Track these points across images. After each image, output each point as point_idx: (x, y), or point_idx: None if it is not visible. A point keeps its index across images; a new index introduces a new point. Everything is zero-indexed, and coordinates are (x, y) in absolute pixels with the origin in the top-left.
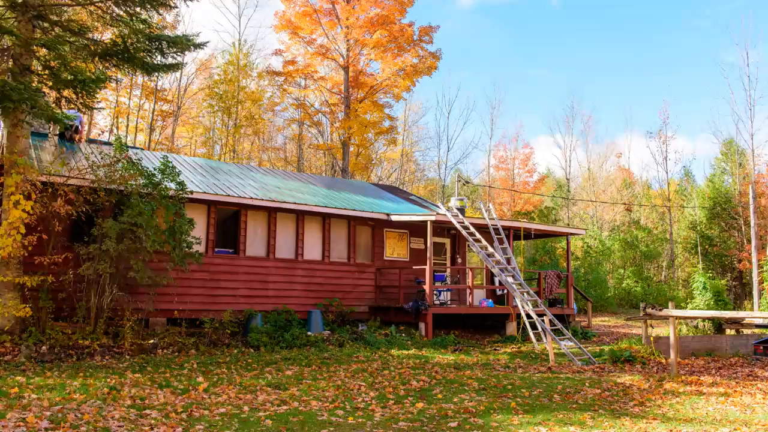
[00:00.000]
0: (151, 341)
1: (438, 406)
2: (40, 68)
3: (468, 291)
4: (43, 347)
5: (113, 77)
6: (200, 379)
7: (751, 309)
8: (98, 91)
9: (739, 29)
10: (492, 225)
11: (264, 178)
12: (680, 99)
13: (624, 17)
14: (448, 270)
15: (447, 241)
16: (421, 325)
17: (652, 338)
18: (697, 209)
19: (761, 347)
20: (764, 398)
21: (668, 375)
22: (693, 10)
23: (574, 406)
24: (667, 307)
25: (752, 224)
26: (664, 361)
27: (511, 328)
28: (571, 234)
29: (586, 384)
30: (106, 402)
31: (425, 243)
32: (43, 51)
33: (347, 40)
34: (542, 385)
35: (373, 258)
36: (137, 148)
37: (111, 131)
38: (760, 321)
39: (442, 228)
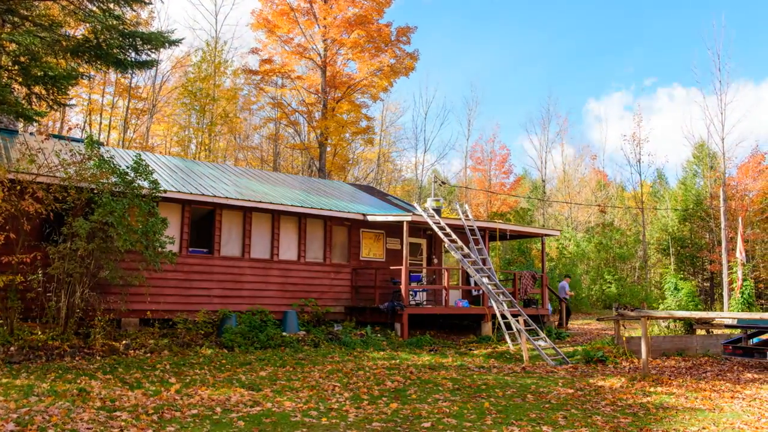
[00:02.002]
0: (123, 342)
1: (412, 407)
2: (9, 64)
3: (444, 291)
4: (12, 348)
5: (85, 74)
6: (172, 380)
7: (722, 309)
8: (70, 87)
9: (711, 34)
10: (468, 226)
11: (239, 177)
12: (654, 102)
13: (601, 19)
14: (424, 270)
15: (423, 242)
16: (397, 326)
17: (624, 338)
18: (670, 211)
19: (730, 347)
20: (732, 397)
21: (640, 375)
22: (667, 13)
23: (546, 405)
24: (640, 308)
25: (723, 226)
26: (636, 361)
27: (487, 328)
28: (546, 235)
29: (559, 384)
30: (75, 404)
31: (401, 243)
32: (13, 46)
33: (324, 40)
34: (516, 385)
35: (349, 258)
36: (110, 147)
37: (83, 129)
38: (729, 321)
39: (419, 228)
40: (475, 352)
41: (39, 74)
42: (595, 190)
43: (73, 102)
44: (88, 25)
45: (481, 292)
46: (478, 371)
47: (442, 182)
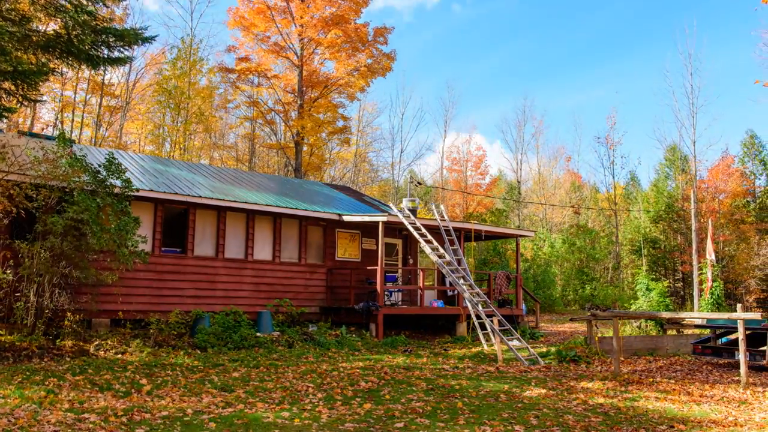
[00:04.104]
0: (94, 343)
1: (385, 407)
2: None
3: (419, 292)
4: None
5: (57, 70)
6: (143, 381)
7: (692, 310)
8: (40, 83)
9: (683, 38)
10: (443, 226)
11: (214, 176)
12: (628, 105)
13: (575, 23)
14: (400, 271)
15: (399, 242)
16: (372, 326)
17: (596, 338)
18: (642, 213)
19: (700, 347)
20: (701, 396)
21: (611, 374)
22: (640, 17)
23: (519, 405)
24: (612, 308)
25: (693, 228)
26: (608, 360)
27: (462, 328)
28: (521, 236)
29: (532, 383)
30: (42, 406)
31: (377, 244)
32: None
33: (301, 39)
34: (489, 385)
35: (324, 258)
36: (82, 145)
37: (55, 126)
38: (699, 321)
39: (394, 229)
40: (449, 352)
41: (8, 69)
42: (569, 191)
43: (44, 98)
44: (59, 20)
45: (456, 292)
46: (452, 371)
47: (418, 183)
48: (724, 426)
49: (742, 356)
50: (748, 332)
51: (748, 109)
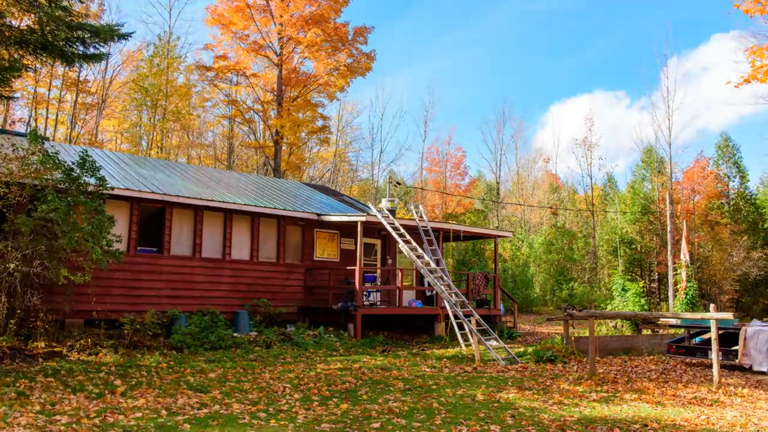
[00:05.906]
0: (67, 344)
1: (362, 407)
2: None
3: (398, 292)
4: None
5: (30, 66)
6: (117, 382)
7: (668, 310)
8: (13, 79)
9: (660, 42)
10: (422, 226)
11: (192, 175)
12: (606, 107)
13: (556, 23)
14: (378, 271)
15: (378, 242)
16: (350, 326)
17: (573, 338)
18: (619, 214)
19: (674, 346)
20: (674, 395)
21: (587, 374)
22: (619, 21)
23: (495, 405)
24: (588, 308)
25: (668, 229)
26: (584, 360)
27: (440, 328)
28: (499, 236)
29: (509, 383)
30: (12, 408)
31: (356, 244)
32: None
33: (281, 38)
34: (466, 385)
35: (302, 258)
36: (55, 143)
37: (28, 123)
38: (673, 321)
39: (373, 229)
40: (428, 352)
41: None
42: (548, 192)
43: (16, 95)
44: (33, 15)
45: (434, 292)
46: (430, 371)
47: (398, 183)
48: (697, 425)
49: (714, 356)
50: (721, 332)
51: (723, 112)
